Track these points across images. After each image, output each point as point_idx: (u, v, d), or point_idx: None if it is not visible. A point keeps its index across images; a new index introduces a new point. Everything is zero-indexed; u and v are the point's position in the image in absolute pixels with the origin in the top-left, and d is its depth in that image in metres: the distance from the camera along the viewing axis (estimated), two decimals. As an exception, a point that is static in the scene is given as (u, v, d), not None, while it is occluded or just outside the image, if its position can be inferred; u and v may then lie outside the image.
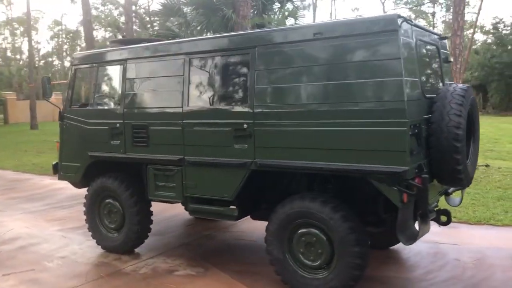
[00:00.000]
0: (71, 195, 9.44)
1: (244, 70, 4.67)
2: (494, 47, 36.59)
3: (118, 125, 5.55)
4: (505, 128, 21.58)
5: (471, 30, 38.65)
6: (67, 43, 61.47)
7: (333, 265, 4.29)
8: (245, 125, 4.58)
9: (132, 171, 5.87)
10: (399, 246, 5.65)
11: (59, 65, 63.89)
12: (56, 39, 61.70)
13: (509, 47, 35.15)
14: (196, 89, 5.04)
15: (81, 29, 54.47)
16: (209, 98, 4.95)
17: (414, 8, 49.23)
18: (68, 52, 60.28)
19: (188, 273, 5.15)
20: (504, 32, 36.52)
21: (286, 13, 16.37)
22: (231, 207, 4.91)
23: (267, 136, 4.48)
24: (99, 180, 5.88)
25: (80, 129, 5.94)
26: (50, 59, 62.62)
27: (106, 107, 5.80)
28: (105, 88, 5.93)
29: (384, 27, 3.89)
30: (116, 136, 5.60)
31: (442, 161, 4.14)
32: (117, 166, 5.94)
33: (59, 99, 40.05)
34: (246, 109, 4.59)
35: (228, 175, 4.77)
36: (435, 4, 47.31)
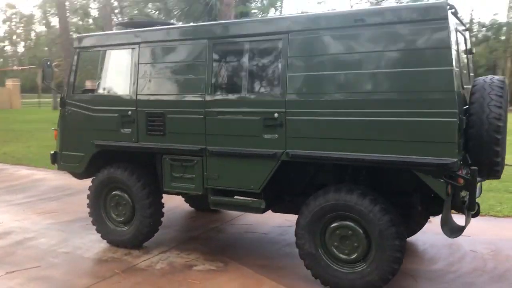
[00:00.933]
0: (55, 186, 8.97)
1: (275, 56, 4.47)
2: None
3: (129, 112, 5.23)
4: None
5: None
6: (21, 28, 58.61)
7: (370, 259, 4.19)
8: (276, 114, 4.40)
9: (142, 161, 5.57)
10: (412, 238, 5.65)
11: (11, 50, 61.05)
12: (8, 23, 58.72)
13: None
14: (220, 76, 4.81)
15: (36, 13, 52.11)
16: (235, 86, 4.72)
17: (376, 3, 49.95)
18: (22, 37, 57.60)
19: (208, 268, 4.94)
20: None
21: (265, 2, 16.20)
22: (257, 199, 4.72)
23: (300, 125, 4.31)
24: (106, 171, 5.54)
25: (85, 116, 5.57)
26: (1, 44, 59.60)
27: (115, 93, 5.45)
28: (114, 73, 5.56)
29: (433, 15, 3.79)
30: (127, 124, 5.27)
31: (481, 153, 4.10)
32: (125, 156, 5.62)
33: (16, 85, 38.39)
34: (278, 98, 4.40)
35: (255, 166, 4.58)
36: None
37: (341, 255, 4.32)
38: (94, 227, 5.71)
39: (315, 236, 4.38)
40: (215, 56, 4.76)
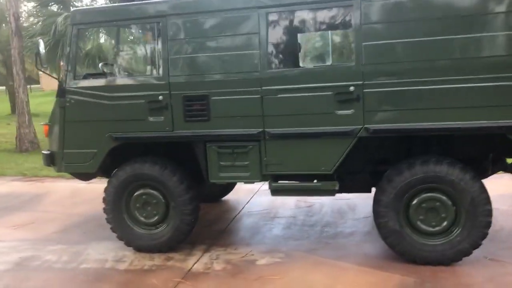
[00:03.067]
0: (6, 193, 7.63)
1: (344, 24, 4.15)
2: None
3: (160, 97, 4.50)
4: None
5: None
6: None
7: (458, 228, 4.15)
8: (351, 87, 4.09)
9: (172, 152, 4.88)
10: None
11: None
12: None
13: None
14: (278, 49, 4.34)
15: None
16: (297, 59, 4.29)
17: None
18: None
19: (273, 260, 4.52)
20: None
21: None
22: (329, 181, 4.38)
23: (380, 98, 4.06)
24: (129, 168, 4.75)
25: (96, 105, 4.68)
26: None
27: (138, 76, 4.65)
28: (133, 52, 4.73)
29: None
30: (157, 111, 4.54)
31: None
32: (149, 148, 4.87)
33: None
34: (352, 69, 4.09)
35: (327, 146, 4.24)
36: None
37: (428, 228, 4.22)
38: (97, 233, 4.93)
39: (399, 212, 4.21)
40: (272, 27, 4.28)
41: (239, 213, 6.07)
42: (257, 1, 4.23)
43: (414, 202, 4.19)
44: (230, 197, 6.67)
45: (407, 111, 4.02)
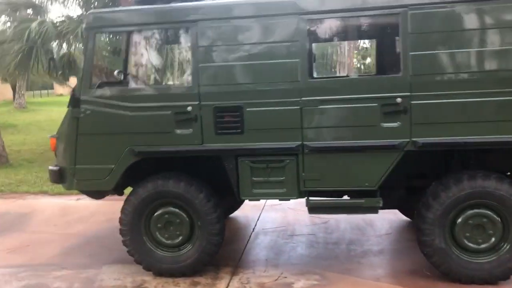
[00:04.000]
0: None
1: (390, 33, 3.96)
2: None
3: (189, 108, 4.15)
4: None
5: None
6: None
7: (506, 245, 4.01)
8: (398, 99, 3.90)
9: (197, 168, 4.53)
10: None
11: None
12: None
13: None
14: (320, 59, 4.10)
15: None
16: (340, 69, 4.08)
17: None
18: None
19: (309, 283, 4.23)
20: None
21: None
22: (372, 197, 4.14)
23: (428, 110, 3.89)
24: (150, 185, 4.35)
25: (115, 117, 4.27)
26: None
27: (164, 85, 4.28)
28: (158, 60, 4.35)
29: None
30: (185, 123, 4.19)
31: None
32: (170, 163, 4.50)
33: None
34: (399, 80, 3.90)
35: (372, 160, 4.03)
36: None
37: (474, 246, 4.06)
38: (104, 255, 4.60)
39: (444, 229, 4.04)
40: (313, 35, 4.04)
41: (253, 231, 5.75)
42: (297, 7, 3.99)
43: (461, 218, 4.03)
44: (237, 213, 6.34)
45: (458, 124, 3.87)
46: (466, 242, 4.05)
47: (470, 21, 3.79)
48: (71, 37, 10.83)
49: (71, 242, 5.52)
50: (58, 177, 4.52)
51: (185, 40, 4.20)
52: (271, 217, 6.22)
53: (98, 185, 4.43)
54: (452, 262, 4.06)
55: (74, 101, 4.32)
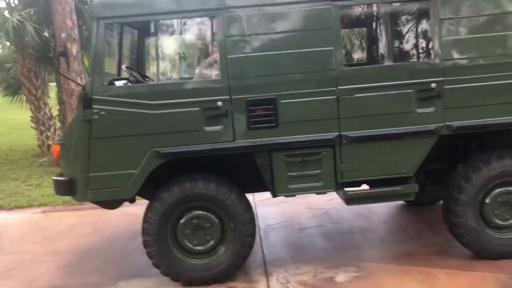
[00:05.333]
0: None
1: (423, 19, 3.98)
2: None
3: (220, 103, 3.87)
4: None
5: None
6: None
7: None
8: (433, 84, 3.93)
9: (222, 166, 4.24)
10: None
11: None
12: None
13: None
14: (354, 46, 4.00)
15: None
16: (374, 57, 4.01)
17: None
18: None
19: (351, 275, 4.15)
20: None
21: None
22: (408, 184, 4.13)
23: (461, 94, 3.97)
24: (176, 188, 4.00)
25: (135, 116, 3.86)
26: None
27: (189, 79, 3.93)
28: (181, 52, 3.97)
29: None
30: (215, 119, 3.90)
31: None
32: (193, 163, 4.17)
33: None
34: (432, 65, 3.94)
35: (408, 146, 4.04)
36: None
37: (502, 223, 4.23)
38: (114, 271, 4.33)
39: (475, 209, 4.17)
40: (345, 22, 3.93)
41: (259, 228, 5.54)
42: (329, -6, 3.87)
43: (490, 197, 4.18)
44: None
45: (489, 106, 3.98)
46: (495, 220, 4.21)
47: (492, 7, 3.91)
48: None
49: (65, 260, 4.94)
50: (67, 188, 4.00)
51: (211, 30, 3.90)
52: (269, 213, 6.05)
53: (118, 194, 3.99)
54: (483, 240, 4.19)
55: (86, 102, 3.83)
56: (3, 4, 11.16)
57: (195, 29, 4.00)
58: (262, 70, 3.90)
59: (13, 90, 12.31)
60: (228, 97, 3.88)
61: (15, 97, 12.48)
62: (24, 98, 11.64)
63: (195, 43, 3.99)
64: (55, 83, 12.19)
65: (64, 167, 4.08)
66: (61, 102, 11.05)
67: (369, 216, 5.70)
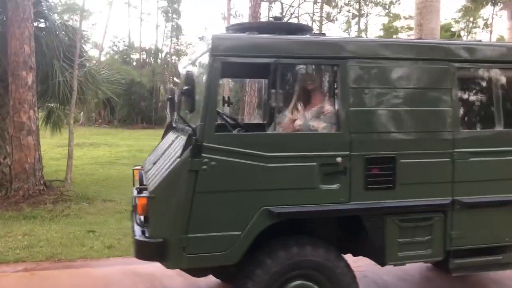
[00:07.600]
0: None
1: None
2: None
3: (339, 159, 3.49)
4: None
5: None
6: None
7: None
8: None
9: (324, 229, 3.80)
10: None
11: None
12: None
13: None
14: (472, 108, 3.88)
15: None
16: (492, 120, 3.91)
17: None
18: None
19: None
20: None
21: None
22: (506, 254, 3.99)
23: None
24: (282, 253, 3.47)
25: (248, 169, 3.34)
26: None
27: (308, 132, 3.52)
28: (301, 98, 3.57)
29: None
30: (332, 176, 3.50)
31: None
32: (295, 224, 3.69)
33: None
34: None
35: (515, 214, 3.91)
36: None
37: None
38: None
39: None
40: (462, 83, 3.81)
41: None
42: (452, 54, 3.76)
43: None
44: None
45: None
46: None
47: None
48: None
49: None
50: (158, 252, 3.28)
51: (332, 78, 3.58)
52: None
53: (220, 260, 3.35)
54: None
55: (195, 149, 3.26)
56: None
57: (317, 77, 3.66)
58: (383, 125, 3.63)
59: None
60: (348, 153, 3.53)
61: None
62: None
63: (321, 89, 3.65)
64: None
65: (153, 225, 3.35)
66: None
67: (409, 279, 5.43)
